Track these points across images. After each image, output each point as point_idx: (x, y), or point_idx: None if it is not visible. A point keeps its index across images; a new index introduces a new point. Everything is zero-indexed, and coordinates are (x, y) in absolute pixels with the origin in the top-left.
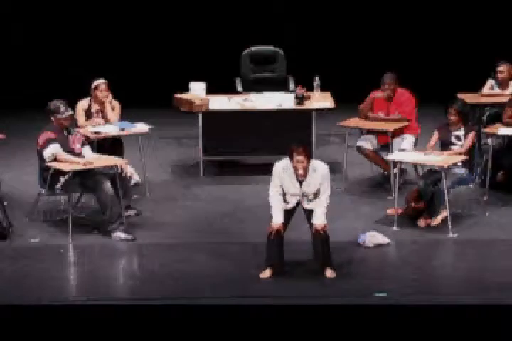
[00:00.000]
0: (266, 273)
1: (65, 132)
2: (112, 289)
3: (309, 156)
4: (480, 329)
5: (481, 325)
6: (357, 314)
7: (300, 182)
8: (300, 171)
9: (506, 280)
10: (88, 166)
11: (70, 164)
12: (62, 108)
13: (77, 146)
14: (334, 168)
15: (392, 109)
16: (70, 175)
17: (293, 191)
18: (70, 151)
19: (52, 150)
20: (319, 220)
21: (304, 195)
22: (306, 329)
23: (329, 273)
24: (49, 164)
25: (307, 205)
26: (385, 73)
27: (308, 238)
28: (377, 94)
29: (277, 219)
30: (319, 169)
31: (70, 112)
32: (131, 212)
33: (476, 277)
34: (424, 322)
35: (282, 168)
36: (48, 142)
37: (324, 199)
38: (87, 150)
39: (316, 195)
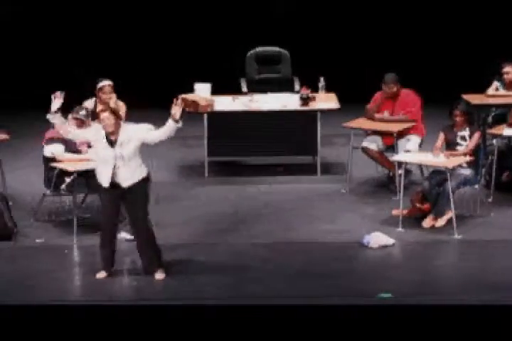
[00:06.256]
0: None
1: None
2: (113, 289)
3: (119, 117)
4: (482, 330)
5: (483, 326)
6: (361, 314)
7: (112, 144)
8: (106, 128)
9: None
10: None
11: (75, 164)
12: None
13: (85, 148)
14: (339, 169)
15: (398, 110)
16: (76, 175)
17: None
18: (76, 152)
19: (53, 149)
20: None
21: (118, 156)
22: (307, 330)
23: (159, 274)
24: (54, 164)
25: (122, 176)
26: (386, 73)
27: (307, 238)
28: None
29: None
30: (132, 131)
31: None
32: None
33: (482, 278)
34: (428, 322)
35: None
36: (52, 140)
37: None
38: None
39: (131, 158)
